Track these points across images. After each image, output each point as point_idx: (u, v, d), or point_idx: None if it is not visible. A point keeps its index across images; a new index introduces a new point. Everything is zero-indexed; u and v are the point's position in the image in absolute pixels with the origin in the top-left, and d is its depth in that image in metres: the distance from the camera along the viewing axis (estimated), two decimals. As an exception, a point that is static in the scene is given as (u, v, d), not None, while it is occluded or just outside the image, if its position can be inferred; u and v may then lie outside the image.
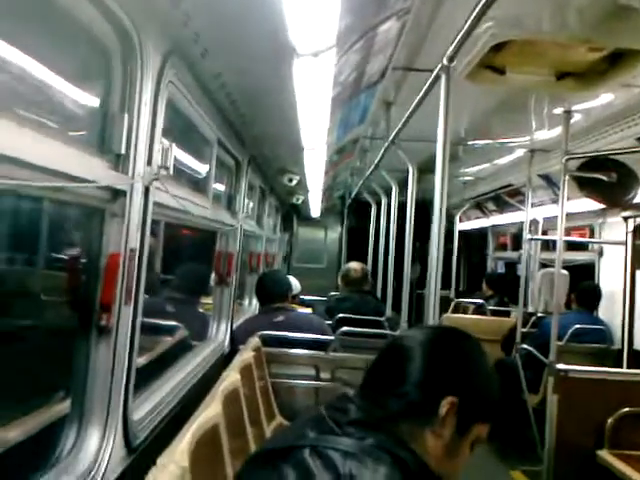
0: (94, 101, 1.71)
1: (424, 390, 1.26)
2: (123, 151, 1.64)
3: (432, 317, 2.41)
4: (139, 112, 1.70)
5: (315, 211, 9.40)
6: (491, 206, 8.39)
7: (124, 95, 1.67)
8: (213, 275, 3.83)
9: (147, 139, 1.77)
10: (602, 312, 5.47)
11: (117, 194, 1.65)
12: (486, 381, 1.33)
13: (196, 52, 2.00)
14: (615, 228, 5.39)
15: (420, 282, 8.57)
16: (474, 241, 10.28)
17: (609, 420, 3.50)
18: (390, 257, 5.15)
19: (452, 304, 7.69)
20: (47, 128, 1.36)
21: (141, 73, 1.70)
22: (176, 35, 1.85)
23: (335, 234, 11.00)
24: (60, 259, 1.78)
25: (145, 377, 2.36)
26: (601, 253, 5.74)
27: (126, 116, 1.65)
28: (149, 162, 1.79)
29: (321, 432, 1.22)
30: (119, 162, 1.65)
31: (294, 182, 5.06)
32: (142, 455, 1.89)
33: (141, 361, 2.52)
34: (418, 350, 1.31)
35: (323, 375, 3.62)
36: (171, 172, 1.93)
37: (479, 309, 7.20)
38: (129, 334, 1.77)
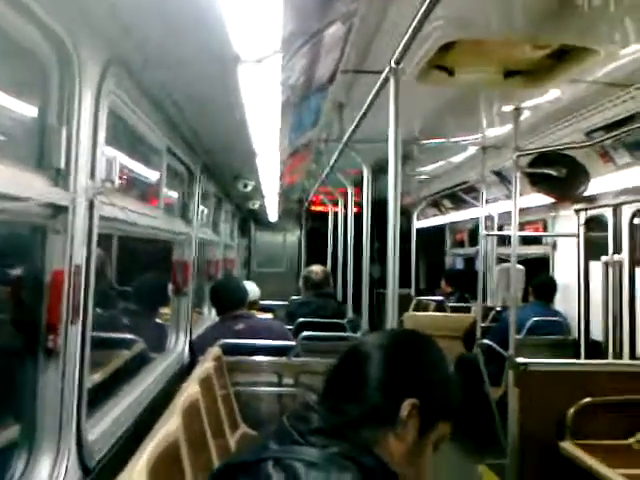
0: (31, 115, 1.64)
1: (384, 393, 1.24)
2: (63, 165, 1.58)
3: (392, 316, 2.41)
4: (79, 124, 1.64)
5: (273, 215, 9.35)
6: (448, 203, 8.49)
7: (62, 107, 1.61)
8: (170, 285, 3.76)
9: (89, 151, 1.71)
10: (558, 304, 5.58)
11: (59, 210, 1.59)
12: (445, 380, 1.32)
13: (137, 62, 1.94)
14: (567, 221, 5.50)
15: (381, 281, 8.62)
16: (432, 239, 10.37)
17: (570, 411, 3.54)
18: (349, 258, 5.15)
19: (413, 302, 7.74)
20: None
21: (79, 84, 1.64)
22: (115, 45, 1.80)
23: (294, 237, 10.95)
24: (2, 278, 1.70)
25: (101, 394, 2.29)
26: (555, 246, 5.86)
27: (64, 129, 1.59)
28: (92, 175, 1.73)
29: (284, 443, 1.19)
30: (59, 177, 1.59)
31: (249, 188, 5.01)
32: (99, 476, 1.84)
33: (96, 378, 2.46)
34: (375, 354, 1.30)
35: (286, 381, 3.59)
36: (117, 184, 1.87)
37: (439, 306, 7.27)
38: (78, 353, 1.72)
